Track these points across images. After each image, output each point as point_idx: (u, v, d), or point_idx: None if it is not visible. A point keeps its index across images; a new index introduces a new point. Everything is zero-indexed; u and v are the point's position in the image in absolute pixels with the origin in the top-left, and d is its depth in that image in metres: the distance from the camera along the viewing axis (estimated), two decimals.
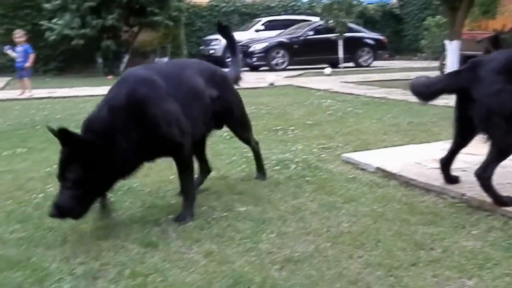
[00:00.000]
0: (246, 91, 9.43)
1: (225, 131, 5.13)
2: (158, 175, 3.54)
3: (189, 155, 2.71)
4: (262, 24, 17.26)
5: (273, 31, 16.44)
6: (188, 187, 2.73)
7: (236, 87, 3.32)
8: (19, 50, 9.71)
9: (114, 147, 2.39)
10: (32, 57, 9.69)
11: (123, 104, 2.45)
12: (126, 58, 14.53)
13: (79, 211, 2.37)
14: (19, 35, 9.99)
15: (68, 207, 2.31)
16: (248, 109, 6.61)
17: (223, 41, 16.57)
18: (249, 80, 11.98)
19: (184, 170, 2.71)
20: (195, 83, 2.81)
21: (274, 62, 14.99)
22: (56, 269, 2.05)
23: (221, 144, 4.56)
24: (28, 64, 9.57)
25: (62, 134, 2.30)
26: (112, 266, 2.10)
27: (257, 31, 16.96)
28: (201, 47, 17.83)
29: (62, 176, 2.35)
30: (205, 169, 3.25)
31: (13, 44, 10.00)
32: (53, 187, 3.24)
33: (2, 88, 10.79)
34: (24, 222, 2.58)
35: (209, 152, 4.15)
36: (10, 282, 1.94)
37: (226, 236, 2.40)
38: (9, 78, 12.16)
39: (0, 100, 8.50)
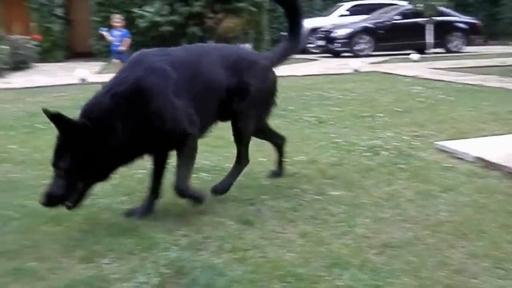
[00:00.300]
0: (329, 77, 9.37)
1: (311, 116, 5.17)
2: (250, 156, 3.63)
3: (195, 145, 2.49)
4: (347, 10, 16.87)
5: (358, 16, 16.02)
6: (184, 175, 2.44)
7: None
8: (116, 34, 10.31)
9: (112, 136, 2.24)
10: (127, 41, 10.26)
11: (128, 92, 2.28)
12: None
13: (71, 200, 2.26)
14: (117, 20, 10.61)
15: (59, 196, 2.21)
16: (333, 95, 6.63)
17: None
18: (331, 66, 11.84)
19: (185, 158, 2.46)
20: (212, 74, 2.56)
21: (358, 48, 14.63)
22: (162, 239, 2.19)
23: (307, 129, 4.58)
24: (122, 48, 10.14)
25: (56, 119, 2.16)
26: (213, 240, 2.20)
27: (341, 16, 16.62)
28: (282, 33, 17.82)
29: (55, 163, 2.23)
30: (278, 141, 3.12)
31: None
32: None
33: (99, 72, 11.53)
34: (129, 195, 2.77)
35: (296, 137, 4.21)
36: (123, 247, 2.10)
37: (320, 219, 2.42)
38: (105, 63, 12.95)
39: (97, 83, 9.10)
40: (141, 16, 14.82)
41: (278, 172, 3.16)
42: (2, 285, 1.80)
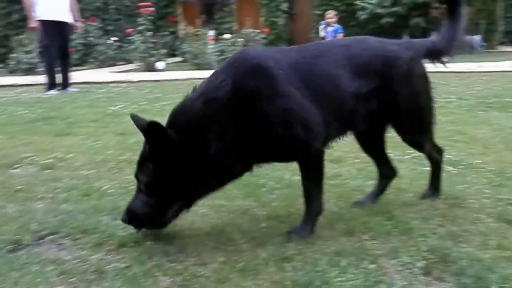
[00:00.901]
0: None
1: None
2: (498, 155, 3.37)
3: (319, 158, 2.11)
4: None
5: None
6: (313, 197, 2.15)
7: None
8: (330, 31, 10.61)
9: (204, 149, 1.91)
10: (340, 36, 10.47)
11: (225, 99, 1.92)
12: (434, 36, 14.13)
13: (156, 221, 2.01)
14: (330, 15, 10.91)
15: (140, 215, 1.97)
16: None
17: None
18: None
19: (310, 177, 2.13)
20: (331, 80, 2.10)
21: None
22: (418, 226, 2.18)
23: None
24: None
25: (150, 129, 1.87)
26: (473, 234, 2.10)
27: None
28: None
29: (137, 175, 1.99)
30: (387, 173, 2.60)
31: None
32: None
33: None
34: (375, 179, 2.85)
35: None
36: (380, 228, 2.17)
37: None
38: None
39: None
40: (363, 8, 14.92)
41: (365, 201, 2.53)
42: (279, 243, 2.05)
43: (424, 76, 2.33)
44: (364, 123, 2.25)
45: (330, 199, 2.54)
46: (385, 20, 14.32)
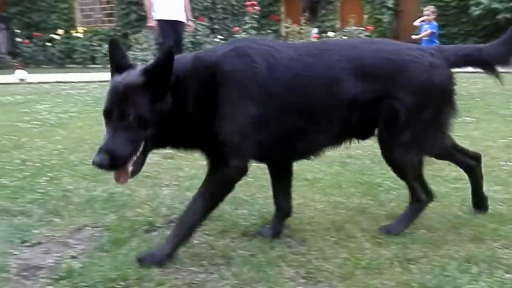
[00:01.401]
0: None
1: None
2: None
3: (228, 185, 1.93)
4: None
5: None
6: (184, 224, 1.95)
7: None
8: (426, 28, 9.83)
9: (183, 103, 1.84)
10: (428, 32, 9.67)
11: (203, 67, 1.88)
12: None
13: (136, 163, 1.82)
14: (427, 12, 10.12)
15: (123, 154, 1.74)
16: None
17: None
18: None
19: (208, 190, 1.93)
20: (327, 81, 1.92)
21: None
22: None
23: None
24: (415, 36, 9.78)
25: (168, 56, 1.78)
26: None
27: None
28: None
29: (121, 110, 1.78)
30: (470, 162, 2.28)
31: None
32: None
33: None
34: (504, 185, 2.68)
35: None
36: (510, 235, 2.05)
37: None
38: None
39: None
40: (477, 4, 13.93)
41: (479, 205, 2.33)
42: (402, 244, 2.01)
43: (443, 87, 2.01)
44: (367, 131, 2.07)
45: (454, 203, 2.45)
46: (501, 16, 13.20)
